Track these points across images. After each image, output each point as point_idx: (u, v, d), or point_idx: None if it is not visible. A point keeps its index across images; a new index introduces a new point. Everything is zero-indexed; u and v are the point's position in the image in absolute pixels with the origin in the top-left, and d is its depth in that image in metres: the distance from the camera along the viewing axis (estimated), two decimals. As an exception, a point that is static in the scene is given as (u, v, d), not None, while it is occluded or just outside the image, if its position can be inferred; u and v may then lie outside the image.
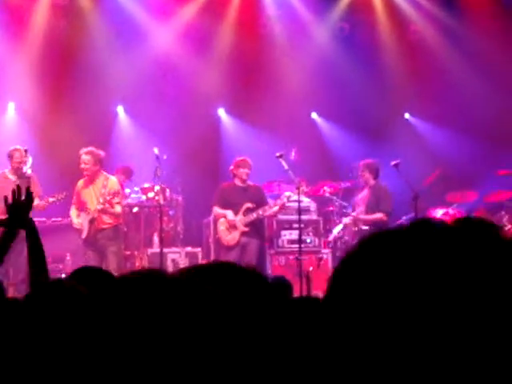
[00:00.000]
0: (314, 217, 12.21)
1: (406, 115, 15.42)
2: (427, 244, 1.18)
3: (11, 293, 9.65)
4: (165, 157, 11.80)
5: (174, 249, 11.80)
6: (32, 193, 4.26)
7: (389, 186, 11.79)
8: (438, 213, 12.65)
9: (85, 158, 10.84)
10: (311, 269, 11.10)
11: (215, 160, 13.86)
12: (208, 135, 14.28)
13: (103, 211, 10.72)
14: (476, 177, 13.38)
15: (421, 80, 14.46)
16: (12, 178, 10.72)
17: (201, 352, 1.37)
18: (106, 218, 10.80)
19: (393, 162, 11.41)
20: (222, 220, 11.32)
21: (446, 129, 14.55)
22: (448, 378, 1.11)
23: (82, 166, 10.86)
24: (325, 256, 11.88)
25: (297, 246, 11.00)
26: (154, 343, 1.32)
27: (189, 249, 11.78)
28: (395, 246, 1.19)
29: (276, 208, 11.41)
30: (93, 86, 13.52)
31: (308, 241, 11.81)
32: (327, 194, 12.67)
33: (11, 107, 13.84)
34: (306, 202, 12.13)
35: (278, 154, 11.10)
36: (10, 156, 10.85)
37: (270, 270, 11.56)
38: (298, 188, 10.84)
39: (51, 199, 10.77)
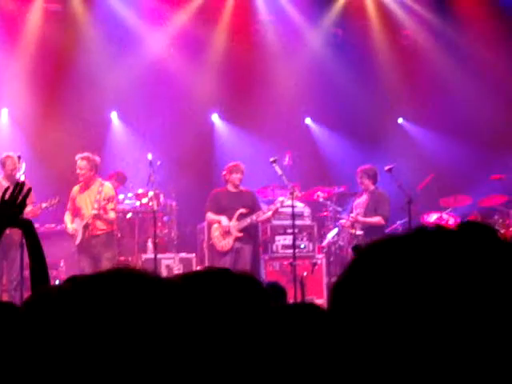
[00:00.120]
0: (308, 222, 12.22)
1: (400, 120, 15.45)
2: (427, 251, 1.17)
3: (5, 299, 9.63)
4: (158, 162, 11.79)
5: (168, 254, 11.79)
6: (26, 196, 4.22)
7: (384, 189, 11.83)
8: (432, 217, 12.67)
9: (81, 163, 10.83)
10: (305, 274, 11.10)
11: (209, 165, 13.86)
12: (202, 141, 14.29)
13: (97, 217, 10.71)
14: (469, 181, 13.41)
15: (414, 85, 14.49)
16: (5, 184, 10.69)
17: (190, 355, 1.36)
18: (100, 224, 10.78)
19: (386, 167, 11.43)
20: (215, 226, 11.32)
21: (439, 133, 14.58)
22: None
23: (78, 171, 10.85)
24: (319, 261, 11.87)
25: (291, 251, 11.00)
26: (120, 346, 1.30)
27: (183, 254, 11.76)
28: (396, 254, 1.18)
29: (269, 213, 11.42)
30: (86, 92, 13.51)
31: (302, 246, 11.81)
32: (321, 199, 12.67)
33: (4, 113, 13.84)
34: (300, 207, 12.13)
35: (271, 159, 11.09)
36: (3, 163, 10.83)
37: (264, 276, 11.54)
38: (291, 193, 10.83)
39: (44, 205, 10.75)
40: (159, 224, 11.90)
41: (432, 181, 13.03)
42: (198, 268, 11.32)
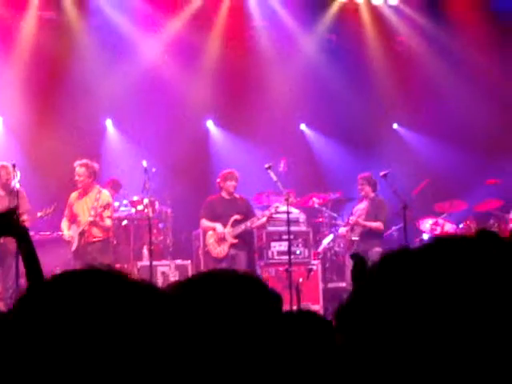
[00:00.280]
0: (304, 228, 12.21)
1: (395, 125, 15.47)
2: (450, 261, 1.15)
3: (0, 307, 9.61)
4: (154, 169, 11.79)
5: (164, 261, 11.77)
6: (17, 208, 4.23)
7: (380, 194, 11.85)
8: (428, 223, 12.68)
9: (79, 170, 10.85)
10: (301, 280, 11.08)
11: (204, 172, 13.85)
12: (197, 147, 14.28)
13: (93, 224, 10.71)
14: (465, 186, 13.42)
15: (408, 90, 14.51)
16: (0, 193, 10.70)
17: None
18: (96, 232, 10.78)
19: (381, 173, 11.43)
20: (210, 233, 11.31)
21: (434, 139, 14.60)
22: None
23: (76, 178, 10.87)
24: (314, 267, 11.86)
25: (286, 257, 10.98)
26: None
27: (179, 261, 11.74)
28: (418, 265, 1.17)
29: (264, 219, 11.42)
30: (81, 99, 13.50)
31: (298, 252, 11.80)
32: (316, 205, 12.69)
33: (-1, 121, 13.83)
34: (296, 213, 12.13)
35: (266, 166, 11.09)
36: (-3, 173, 10.80)
37: (260, 282, 11.51)
38: (286, 199, 10.83)
39: (39, 214, 10.74)
40: (154, 231, 11.89)
41: (427, 186, 13.03)
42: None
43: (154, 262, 11.17)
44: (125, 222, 12.21)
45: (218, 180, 11.50)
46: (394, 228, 12.23)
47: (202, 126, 15.02)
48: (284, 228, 11.23)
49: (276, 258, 11.82)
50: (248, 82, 14.34)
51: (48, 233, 11.70)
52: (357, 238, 11.51)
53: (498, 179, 12.66)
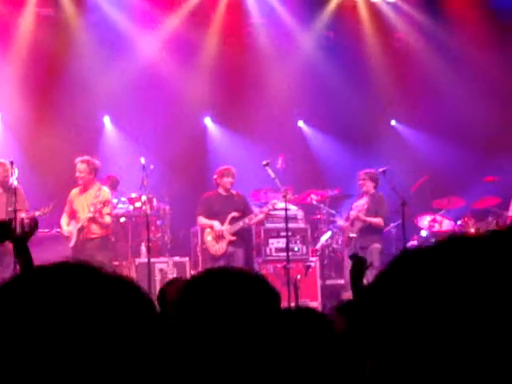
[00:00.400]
0: (302, 225, 12.20)
1: (393, 122, 15.46)
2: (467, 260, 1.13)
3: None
4: (152, 166, 11.77)
5: (162, 258, 11.76)
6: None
7: (381, 191, 11.87)
8: (426, 219, 12.68)
9: (80, 166, 10.88)
10: (299, 277, 11.07)
11: (202, 169, 13.84)
12: (194, 144, 14.28)
13: (92, 220, 10.72)
14: (463, 183, 13.42)
15: (406, 87, 14.50)
16: (-1, 190, 10.69)
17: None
18: (95, 228, 10.80)
19: (380, 169, 11.44)
20: (208, 230, 11.31)
21: (432, 135, 14.60)
22: None
23: (77, 174, 10.91)
24: (312, 264, 11.86)
25: (284, 254, 10.98)
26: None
27: (176, 258, 11.73)
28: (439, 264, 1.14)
29: (261, 216, 11.42)
30: (79, 96, 13.48)
31: (296, 249, 11.80)
32: (314, 202, 12.69)
33: (-4, 118, 13.81)
34: (294, 210, 12.13)
35: (264, 163, 11.08)
36: (-5, 170, 10.79)
37: (258, 279, 11.51)
38: (284, 196, 10.83)
39: (37, 213, 10.71)
40: (152, 228, 11.88)
41: (425, 183, 13.03)
42: (192, 272, 11.31)
43: (152, 259, 11.16)
44: (123, 219, 12.20)
45: (215, 176, 11.51)
46: (392, 225, 12.23)
47: (200, 122, 15.01)
48: (282, 225, 11.24)
49: (274, 254, 11.82)
50: (246, 79, 14.33)
51: (46, 230, 11.68)
52: (355, 235, 11.52)
53: (496, 176, 12.66)
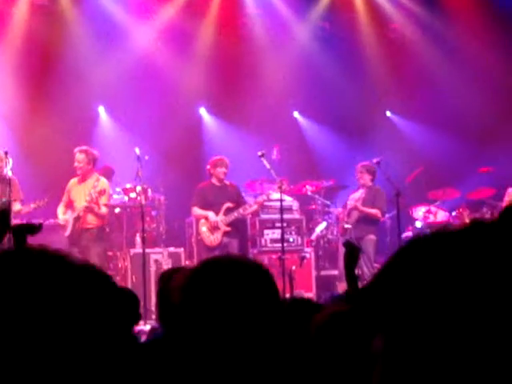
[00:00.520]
0: (297, 216, 12.20)
1: (388, 113, 15.45)
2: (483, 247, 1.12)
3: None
4: (146, 157, 11.75)
5: (157, 249, 11.75)
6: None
7: (377, 183, 11.88)
8: (421, 210, 12.69)
9: (79, 156, 10.88)
10: (294, 268, 11.09)
11: (197, 159, 13.83)
12: (189, 135, 14.26)
13: (89, 210, 10.70)
14: (458, 174, 13.44)
15: (402, 78, 14.49)
16: (-7, 180, 10.66)
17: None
18: (92, 219, 10.80)
19: (374, 160, 11.45)
20: (202, 221, 11.31)
21: (427, 126, 14.60)
22: None
23: (76, 164, 10.91)
24: (307, 255, 11.87)
25: (279, 245, 10.99)
26: None
27: (171, 249, 11.72)
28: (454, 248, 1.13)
29: (255, 206, 11.43)
30: (74, 86, 13.45)
31: (291, 240, 11.80)
32: (309, 193, 12.68)
33: (-9, 108, 13.76)
34: (289, 201, 12.12)
35: (259, 153, 11.08)
36: (-11, 161, 10.76)
37: (253, 270, 11.51)
38: (279, 187, 10.82)
39: (33, 205, 10.71)
40: (147, 219, 11.87)
41: (420, 174, 13.04)
42: (187, 262, 11.31)
43: (147, 250, 11.15)
44: (117, 210, 12.18)
45: (208, 167, 11.51)
46: (387, 216, 12.23)
47: (195, 113, 14.99)
48: (277, 216, 11.24)
49: (269, 245, 11.83)
50: (241, 70, 14.31)
51: (40, 220, 11.66)
52: (350, 226, 11.52)
53: (491, 167, 12.67)
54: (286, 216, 11.31)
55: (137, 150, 11.30)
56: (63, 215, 10.95)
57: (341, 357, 2.33)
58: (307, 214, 12.61)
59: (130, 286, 10.37)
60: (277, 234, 11.57)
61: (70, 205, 10.97)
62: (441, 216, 12.62)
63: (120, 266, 11.48)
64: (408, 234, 11.83)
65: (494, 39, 13.90)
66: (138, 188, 11.57)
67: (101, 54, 13.65)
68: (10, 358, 1.22)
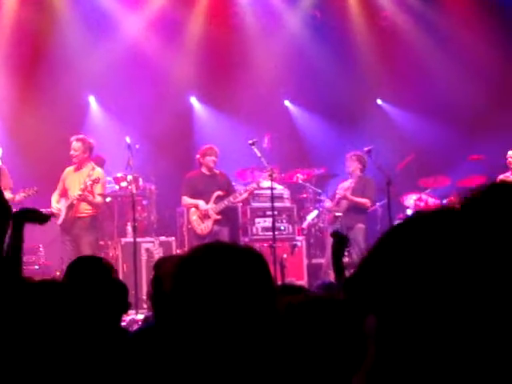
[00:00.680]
0: (288, 204, 12.21)
1: (379, 101, 15.45)
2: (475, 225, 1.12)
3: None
4: (137, 146, 11.73)
5: (148, 238, 11.75)
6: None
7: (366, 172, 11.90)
8: (412, 198, 12.71)
9: (75, 144, 10.84)
10: (285, 256, 11.10)
11: (188, 148, 13.81)
12: (180, 123, 14.23)
13: (82, 198, 10.66)
14: (448, 162, 13.46)
15: (393, 66, 14.48)
16: (-17, 170, 10.64)
17: None
18: (85, 207, 10.76)
19: (365, 148, 11.45)
20: (193, 210, 11.31)
21: (418, 114, 14.60)
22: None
23: (72, 152, 10.86)
24: (299, 243, 11.89)
25: (271, 233, 11.00)
26: None
27: (163, 238, 11.73)
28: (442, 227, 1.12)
29: (245, 194, 11.44)
30: (64, 76, 13.39)
31: (282, 228, 11.81)
32: (300, 181, 12.69)
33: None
34: (280, 189, 12.13)
35: (250, 142, 11.07)
36: (-22, 149, 10.74)
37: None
38: (270, 175, 10.83)
39: (22, 194, 10.68)
40: (138, 208, 11.86)
41: (411, 162, 13.06)
42: (178, 251, 11.32)
43: (138, 239, 11.14)
44: (108, 199, 12.16)
45: (198, 156, 11.51)
46: (377, 204, 12.25)
47: (186, 102, 14.96)
48: (268, 204, 11.25)
49: (260, 234, 11.84)
50: (232, 58, 14.28)
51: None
52: (340, 214, 11.54)
53: (482, 155, 12.69)
54: (277, 204, 11.32)
55: (127, 139, 11.27)
56: (57, 203, 10.92)
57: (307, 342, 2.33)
58: (298, 203, 12.62)
59: (121, 275, 10.36)
60: (268, 222, 11.58)
61: (64, 193, 10.94)
62: (432, 204, 12.64)
63: (111, 255, 11.47)
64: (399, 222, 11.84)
65: (486, 28, 13.89)
66: (129, 177, 11.55)
67: (91, 43, 13.61)
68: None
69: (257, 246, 11.53)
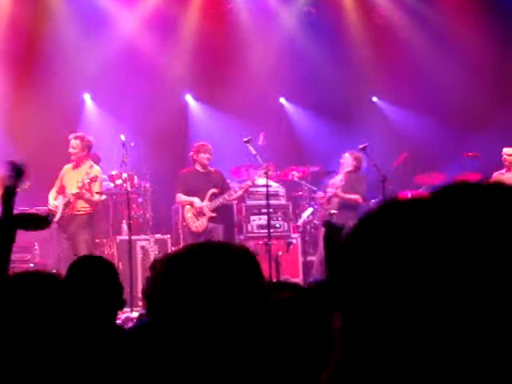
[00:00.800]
0: (283, 201, 12.21)
1: (374, 98, 15.45)
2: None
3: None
4: (132, 144, 11.71)
5: (143, 236, 11.74)
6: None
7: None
8: (407, 195, 12.70)
9: (73, 142, 10.85)
10: (280, 253, 11.10)
11: (183, 146, 13.78)
12: (175, 121, 14.21)
13: (79, 196, 10.65)
14: (443, 159, 13.47)
15: (388, 63, 14.49)
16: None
17: None
18: (82, 205, 10.75)
19: (360, 146, 11.45)
20: (188, 207, 11.30)
21: (413, 111, 14.61)
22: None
23: (70, 150, 10.87)
24: (294, 241, 11.89)
25: (266, 231, 11.00)
26: None
27: (158, 236, 11.72)
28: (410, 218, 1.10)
29: (240, 192, 11.43)
30: (58, 73, 13.38)
31: (277, 226, 11.80)
32: (296, 179, 12.68)
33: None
34: (275, 186, 12.13)
35: (245, 139, 11.07)
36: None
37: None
38: (265, 173, 10.82)
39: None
40: (134, 205, 11.85)
41: (406, 159, 13.06)
42: (173, 248, 11.31)
43: (134, 237, 11.15)
44: (103, 197, 12.15)
45: (192, 153, 11.50)
46: (373, 201, 12.24)
47: (181, 99, 14.94)
48: (263, 202, 11.24)
49: (255, 231, 11.83)
50: (227, 56, 14.27)
51: (27, 208, 11.61)
52: (336, 211, 11.53)
53: (476, 152, 12.69)
54: (272, 202, 11.32)
55: (122, 137, 11.26)
56: (54, 200, 10.91)
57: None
58: (293, 200, 12.61)
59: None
60: (263, 219, 11.57)
61: (61, 190, 10.93)
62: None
63: (106, 253, 11.46)
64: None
65: (481, 25, 13.90)
66: (124, 175, 11.53)
67: (86, 40, 13.59)
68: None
69: (252, 243, 11.55)
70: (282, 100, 15.41)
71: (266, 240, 10.91)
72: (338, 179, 11.78)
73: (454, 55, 14.11)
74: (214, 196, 11.22)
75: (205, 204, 11.18)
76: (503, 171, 11.88)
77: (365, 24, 14.76)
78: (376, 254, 1.09)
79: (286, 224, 11.96)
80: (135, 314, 8.85)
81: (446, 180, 12.71)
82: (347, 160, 11.75)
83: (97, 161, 12.42)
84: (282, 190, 12.33)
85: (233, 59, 14.24)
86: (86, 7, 13.54)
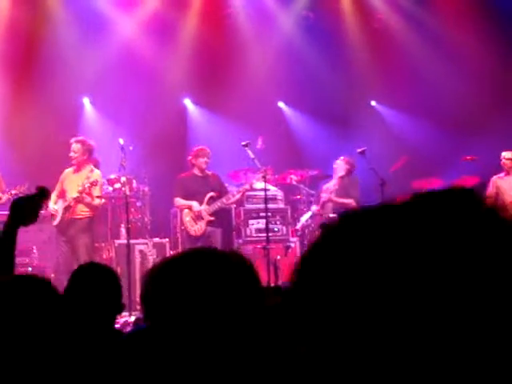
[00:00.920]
0: (282, 205, 12.21)
1: (372, 102, 15.47)
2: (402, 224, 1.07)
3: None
4: (131, 147, 11.72)
5: (142, 240, 11.74)
6: None
7: (355, 173, 11.88)
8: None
9: (74, 146, 10.85)
10: (279, 257, 11.10)
11: (182, 150, 13.79)
12: (174, 125, 14.23)
13: (79, 200, 10.66)
14: (441, 163, 13.48)
15: (386, 67, 14.51)
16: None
17: None
18: (81, 209, 10.75)
19: (359, 150, 11.46)
20: (186, 211, 11.31)
21: (411, 116, 14.63)
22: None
23: (71, 154, 10.88)
24: (292, 244, 11.88)
25: (264, 235, 11.00)
26: None
27: (156, 239, 11.72)
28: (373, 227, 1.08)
29: (238, 196, 11.43)
30: (58, 77, 13.38)
31: (275, 229, 11.80)
32: (294, 183, 12.68)
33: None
34: (273, 190, 12.13)
35: (243, 143, 11.08)
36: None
37: (238, 260, 11.50)
38: (263, 176, 10.83)
39: (14, 191, 10.66)
40: (132, 209, 11.84)
41: (404, 163, 13.07)
42: (172, 252, 11.31)
43: (132, 241, 11.14)
44: (102, 201, 12.16)
45: (190, 157, 11.51)
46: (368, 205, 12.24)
47: (180, 103, 14.96)
48: (262, 205, 11.25)
49: (254, 235, 11.83)
50: (225, 60, 14.29)
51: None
52: (334, 215, 11.53)
53: (474, 156, 12.71)
54: (270, 206, 11.32)
55: (121, 141, 11.26)
56: (54, 204, 10.92)
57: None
58: (292, 204, 12.61)
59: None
60: (261, 223, 11.57)
61: (62, 194, 10.94)
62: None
63: (105, 257, 11.46)
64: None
65: (479, 29, 13.92)
66: (123, 179, 11.53)
67: (85, 44, 13.60)
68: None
69: (250, 247, 11.56)
70: (281, 104, 15.43)
71: (264, 244, 10.91)
72: (332, 184, 11.80)
73: (452, 59, 14.13)
74: (212, 200, 11.22)
75: (203, 208, 11.19)
76: (502, 175, 11.91)
77: (363, 28, 14.79)
78: (332, 267, 1.07)
79: (284, 228, 11.96)
80: (134, 319, 8.86)
81: (444, 184, 12.73)
82: (339, 165, 11.78)
83: (95, 165, 12.43)
84: (280, 194, 12.33)
85: (231, 63, 14.26)
86: (85, 11, 13.56)
